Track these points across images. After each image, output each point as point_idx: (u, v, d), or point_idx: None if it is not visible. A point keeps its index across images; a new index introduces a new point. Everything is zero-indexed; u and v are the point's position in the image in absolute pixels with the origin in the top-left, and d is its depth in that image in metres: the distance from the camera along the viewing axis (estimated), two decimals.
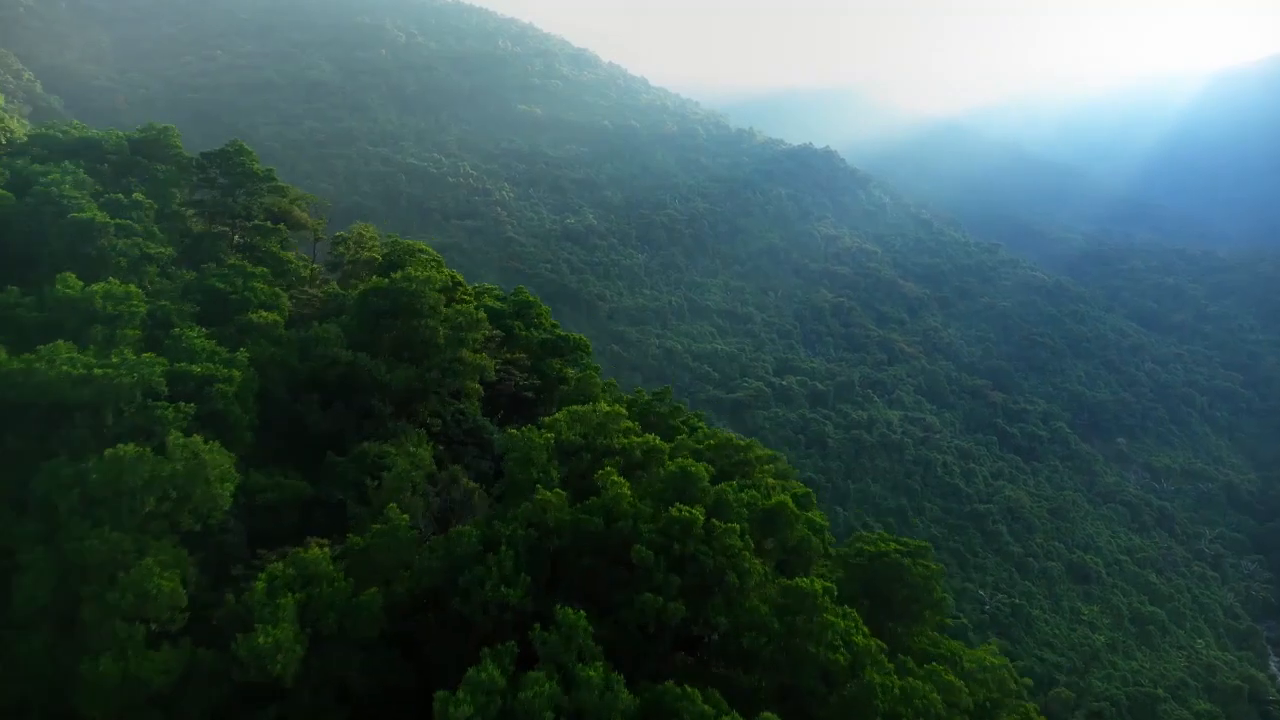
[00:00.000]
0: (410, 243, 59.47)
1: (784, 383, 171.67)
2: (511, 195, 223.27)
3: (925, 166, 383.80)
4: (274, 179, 65.05)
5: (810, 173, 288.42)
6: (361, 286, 49.86)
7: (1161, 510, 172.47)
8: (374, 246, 62.24)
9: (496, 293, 63.92)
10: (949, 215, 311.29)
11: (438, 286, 48.69)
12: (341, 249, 64.65)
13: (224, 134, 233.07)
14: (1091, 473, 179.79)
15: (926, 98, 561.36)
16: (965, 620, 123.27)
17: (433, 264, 53.58)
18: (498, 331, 55.75)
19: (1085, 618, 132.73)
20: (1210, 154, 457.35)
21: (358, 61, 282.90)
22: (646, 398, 57.42)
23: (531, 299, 63.29)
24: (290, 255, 59.96)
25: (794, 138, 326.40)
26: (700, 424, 57.10)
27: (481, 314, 49.69)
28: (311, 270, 62.50)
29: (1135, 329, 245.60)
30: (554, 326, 62.38)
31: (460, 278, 56.84)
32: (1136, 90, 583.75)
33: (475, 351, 49.02)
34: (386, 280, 48.33)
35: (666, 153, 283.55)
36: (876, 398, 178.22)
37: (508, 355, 55.96)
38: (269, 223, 61.09)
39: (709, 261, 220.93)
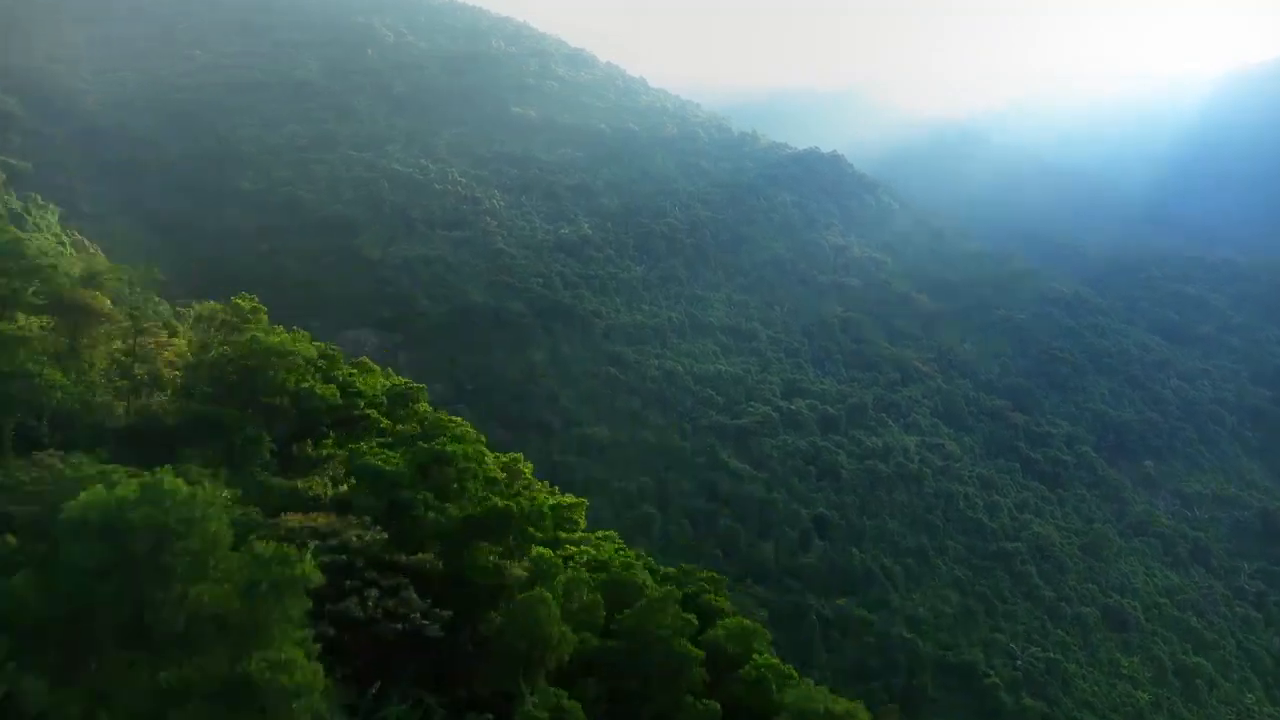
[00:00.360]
0: (277, 341, 37.53)
1: (793, 406, 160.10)
2: (502, 203, 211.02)
3: (929, 170, 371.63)
4: (23, 253, 40.83)
5: (816, 178, 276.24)
6: (68, 508, 21.59)
7: (1196, 542, 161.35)
8: (236, 337, 39.49)
9: (421, 420, 42.65)
10: (957, 222, 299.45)
11: (228, 512, 24.27)
12: (204, 333, 43.14)
13: (205, 137, 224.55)
14: (1121, 500, 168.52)
15: (927, 99, 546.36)
16: (996, 678, 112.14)
17: (315, 369, 36.31)
18: (378, 535, 32.84)
19: (1125, 671, 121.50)
20: (1221, 158, 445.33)
21: (352, 62, 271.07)
22: (641, 583, 38.83)
23: (455, 449, 37.39)
24: (60, 376, 37.13)
25: (795, 139, 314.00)
26: (723, 601, 41.10)
27: (308, 564, 23.00)
28: (141, 376, 41.66)
29: (1159, 343, 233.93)
30: (490, 482, 38.29)
31: (375, 378, 41.59)
32: (1140, 92, 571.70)
33: (299, 642, 23.19)
34: (110, 500, 21.35)
35: (666, 157, 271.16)
36: (891, 422, 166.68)
37: (401, 558, 32.98)
38: (21, 327, 38.17)
39: (711, 274, 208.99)
